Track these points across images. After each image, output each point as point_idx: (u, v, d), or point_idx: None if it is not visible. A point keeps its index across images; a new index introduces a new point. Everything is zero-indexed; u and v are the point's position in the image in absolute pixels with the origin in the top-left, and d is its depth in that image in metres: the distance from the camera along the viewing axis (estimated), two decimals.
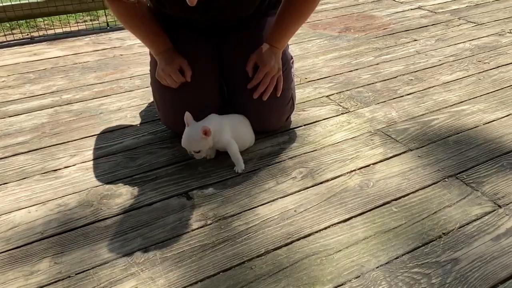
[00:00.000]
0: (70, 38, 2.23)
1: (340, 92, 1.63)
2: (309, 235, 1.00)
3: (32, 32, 2.32)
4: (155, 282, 0.89)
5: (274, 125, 1.37)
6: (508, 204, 1.07)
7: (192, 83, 1.26)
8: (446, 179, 1.16)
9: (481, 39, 2.07)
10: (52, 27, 2.38)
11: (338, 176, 1.18)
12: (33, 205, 1.11)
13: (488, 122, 1.41)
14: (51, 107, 1.58)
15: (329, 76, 1.76)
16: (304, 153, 1.28)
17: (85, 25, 2.37)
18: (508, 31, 2.15)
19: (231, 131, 1.21)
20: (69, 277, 0.91)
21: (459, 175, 1.17)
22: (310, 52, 1.99)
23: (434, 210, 1.06)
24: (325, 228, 1.01)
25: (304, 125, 1.43)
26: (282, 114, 1.35)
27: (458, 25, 2.26)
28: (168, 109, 1.32)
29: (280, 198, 1.11)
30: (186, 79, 1.24)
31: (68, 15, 2.44)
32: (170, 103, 1.29)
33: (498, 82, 1.67)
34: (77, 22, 2.43)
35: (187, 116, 1.16)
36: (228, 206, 1.09)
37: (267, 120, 1.33)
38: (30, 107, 1.58)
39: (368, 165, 1.22)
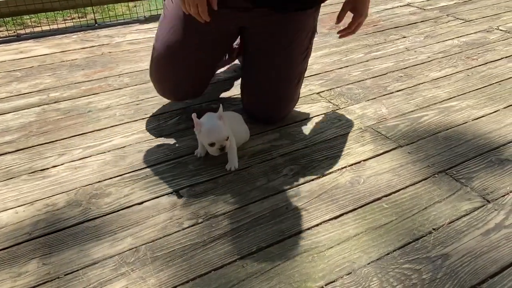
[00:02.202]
0: (57, 36, 2.20)
1: (330, 89, 1.63)
2: (300, 232, 1.00)
3: (19, 29, 2.28)
4: (146, 282, 0.89)
5: (289, 102, 1.41)
6: (497, 199, 1.08)
7: (196, 53, 1.30)
8: (436, 175, 1.17)
9: (470, 36, 2.08)
10: (39, 25, 2.34)
11: (329, 173, 1.18)
12: (21, 206, 1.09)
13: (477, 118, 1.42)
14: (38, 106, 1.55)
15: (320, 73, 1.76)
16: (295, 150, 1.28)
17: (73, 22, 2.34)
18: (496, 27, 2.17)
19: (230, 128, 1.21)
20: (58, 278, 0.90)
21: (448, 171, 1.18)
22: None
23: (424, 206, 1.06)
24: (317, 225, 1.01)
25: (295, 122, 1.42)
26: (296, 85, 1.39)
27: (446, 22, 2.27)
28: (162, 69, 1.34)
29: (272, 195, 1.11)
30: (212, 6, 1.19)
31: (55, 12, 2.41)
32: (167, 62, 1.32)
33: (486, 78, 1.68)
34: (64, 20, 2.40)
35: (195, 116, 1.14)
36: (219, 204, 1.08)
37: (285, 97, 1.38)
38: (17, 106, 1.55)
39: (359, 162, 1.22)
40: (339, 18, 1.35)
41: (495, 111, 1.46)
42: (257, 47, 1.35)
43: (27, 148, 1.31)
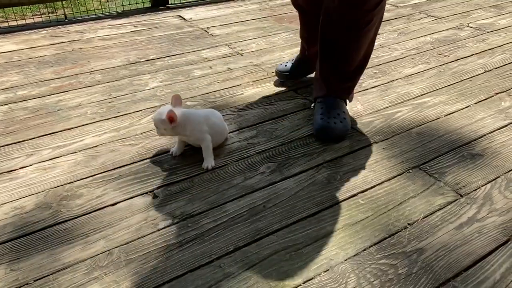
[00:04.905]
0: (25, 31, 2.12)
1: (307, 86, 1.63)
2: (278, 230, 0.99)
3: None
4: (120, 285, 0.86)
5: None
6: (469, 193, 1.10)
7: None
8: (410, 170, 1.18)
9: (441, 33, 2.12)
10: (6, 20, 2.25)
11: (306, 170, 1.18)
12: None
13: (449, 114, 1.45)
14: (4, 104, 1.49)
15: None
16: (271, 148, 1.27)
17: (42, 17, 2.26)
18: (466, 25, 2.22)
19: (209, 127, 1.20)
20: (27, 284, 0.86)
21: (422, 166, 1.20)
22: (276, 46, 1.98)
23: (399, 201, 1.08)
24: (294, 223, 1.01)
25: (272, 119, 1.42)
26: None
27: (419, 19, 2.31)
28: None
29: (249, 193, 1.10)
30: None
31: (23, 7, 2.32)
32: None
33: (458, 74, 1.72)
34: (33, 15, 2.32)
35: (176, 97, 1.17)
36: (196, 204, 1.06)
37: None
38: None
39: (335, 158, 1.23)
40: None
41: (466, 107, 1.49)
42: None
43: None
